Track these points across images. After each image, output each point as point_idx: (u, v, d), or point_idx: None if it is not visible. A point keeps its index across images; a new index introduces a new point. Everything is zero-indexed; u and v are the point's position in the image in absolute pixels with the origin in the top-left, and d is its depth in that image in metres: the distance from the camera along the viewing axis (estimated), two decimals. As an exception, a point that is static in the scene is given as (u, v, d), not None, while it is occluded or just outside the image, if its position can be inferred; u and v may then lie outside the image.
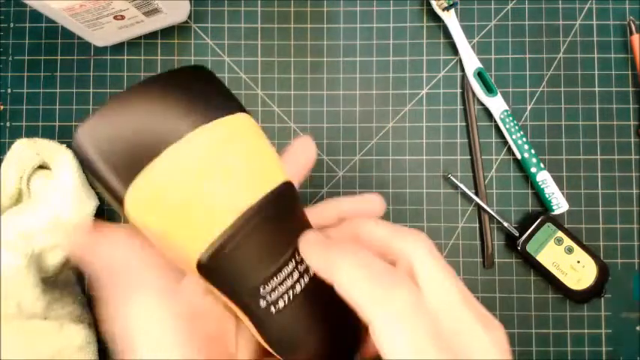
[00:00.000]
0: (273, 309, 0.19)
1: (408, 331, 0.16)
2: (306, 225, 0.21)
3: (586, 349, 0.40)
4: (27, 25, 0.42)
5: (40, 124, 0.42)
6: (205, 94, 0.18)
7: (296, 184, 0.21)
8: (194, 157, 0.17)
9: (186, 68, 0.19)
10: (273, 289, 0.19)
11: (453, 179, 0.40)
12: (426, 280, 0.18)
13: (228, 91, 0.20)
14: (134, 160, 0.17)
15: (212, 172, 0.17)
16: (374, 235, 0.20)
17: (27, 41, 0.42)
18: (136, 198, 0.17)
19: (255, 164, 0.19)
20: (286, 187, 0.19)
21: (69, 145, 0.38)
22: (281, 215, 0.19)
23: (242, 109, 0.20)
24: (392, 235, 0.20)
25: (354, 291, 0.17)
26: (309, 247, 0.19)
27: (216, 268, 0.18)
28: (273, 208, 0.19)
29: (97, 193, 0.39)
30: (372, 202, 0.23)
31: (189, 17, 0.42)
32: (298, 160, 0.23)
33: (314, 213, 0.23)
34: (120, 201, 0.17)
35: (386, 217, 0.40)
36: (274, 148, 0.20)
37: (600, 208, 0.41)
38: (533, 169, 0.40)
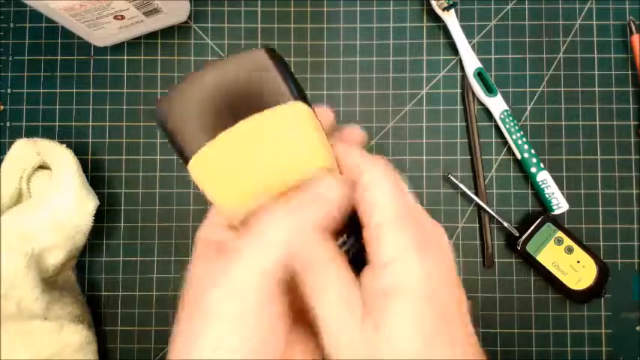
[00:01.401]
0: None
1: (387, 182, 0.20)
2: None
3: (586, 349, 0.40)
4: (27, 25, 0.42)
5: (40, 124, 0.42)
6: (275, 78, 0.20)
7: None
8: (250, 138, 0.19)
9: (260, 50, 0.20)
10: None
11: (453, 179, 0.40)
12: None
13: (293, 75, 0.21)
14: (205, 129, 0.19)
15: (256, 156, 0.19)
16: (346, 158, 0.22)
17: (27, 41, 0.42)
18: (198, 162, 0.20)
19: (300, 152, 0.20)
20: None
21: (69, 145, 0.38)
22: None
23: (304, 97, 0.21)
24: (358, 159, 0.22)
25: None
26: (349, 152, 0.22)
27: None
28: None
29: (97, 193, 0.39)
30: (354, 133, 0.25)
31: (189, 17, 0.42)
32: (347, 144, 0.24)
33: None
34: (186, 161, 0.20)
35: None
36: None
37: (600, 208, 0.41)
38: (533, 169, 0.40)
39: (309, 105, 0.21)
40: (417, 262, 0.18)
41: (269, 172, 0.20)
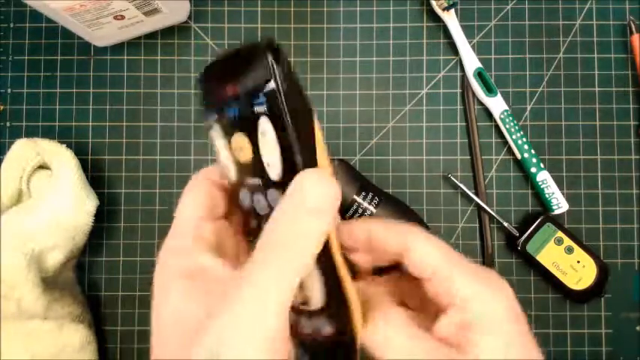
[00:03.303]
0: None
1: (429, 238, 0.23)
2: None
3: (586, 349, 0.40)
4: (27, 25, 0.42)
5: (40, 124, 0.42)
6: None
7: None
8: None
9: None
10: None
11: (453, 179, 0.40)
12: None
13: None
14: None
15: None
16: (384, 240, 0.24)
17: (27, 41, 0.42)
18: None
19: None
20: None
21: (69, 145, 0.38)
22: None
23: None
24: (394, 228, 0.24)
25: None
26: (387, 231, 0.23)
27: None
28: None
29: (97, 193, 0.39)
30: (404, 234, 0.24)
31: (189, 17, 0.42)
32: None
33: (345, 230, 0.24)
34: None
35: (386, 217, 0.40)
36: None
37: (600, 208, 0.41)
38: (533, 169, 0.40)
39: (312, 114, 0.21)
40: (491, 296, 0.21)
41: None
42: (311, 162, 0.20)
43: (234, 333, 0.17)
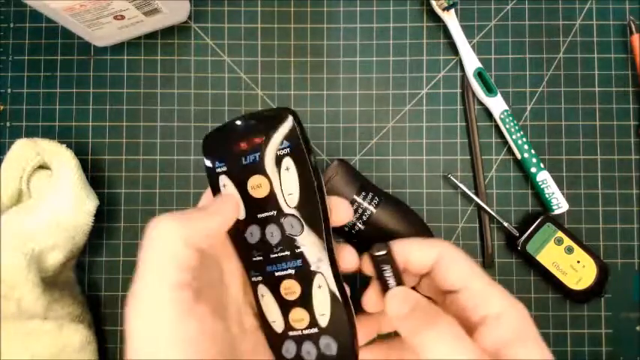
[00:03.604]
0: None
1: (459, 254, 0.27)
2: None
3: (586, 349, 0.40)
4: (27, 25, 0.42)
5: (40, 124, 0.42)
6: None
7: None
8: None
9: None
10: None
11: (453, 179, 0.40)
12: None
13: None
14: None
15: None
16: (418, 257, 0.27)
17: (27, 41, 0.42)
18: None
19: None
20: None
21: (69, 145, 0.38)
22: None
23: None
24: (426, 243, 0.27)
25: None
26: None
27: None
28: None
29: (97, 193, 0.39)
30: (435, 249, 0.27)
31: (189, 17, 0.42)
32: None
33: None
34: None
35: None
36: None
37: (600, 208, 0.41)
38: (533, 169, 0.40)
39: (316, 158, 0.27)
40: (519, 310, 0.25)
41: None
42: (319, 187, 0.26)
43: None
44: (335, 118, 0.42)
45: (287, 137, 0.26)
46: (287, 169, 0.26)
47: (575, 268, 0.39)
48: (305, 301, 0.26)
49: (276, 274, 0.27)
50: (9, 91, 0.42)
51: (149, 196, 0.41)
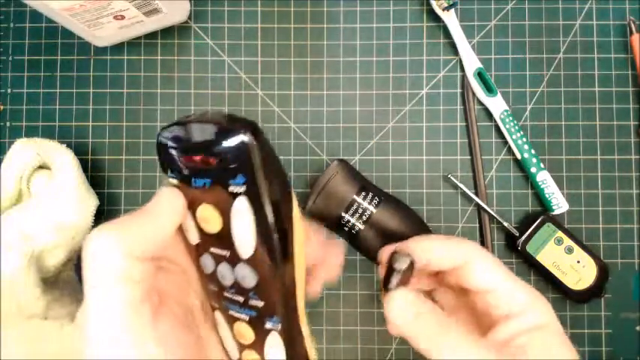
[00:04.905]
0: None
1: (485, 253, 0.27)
2: None
3: (586, 349, 0.40)
4: (27, 25, 0.42)
5: (40, 124, 0.42)
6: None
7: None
8: None
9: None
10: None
11: (453, 179, 0.40)
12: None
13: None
14: None
15: None
16: (441, 257, 0.27)
17: (27, 41, 0.42)
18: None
19: None
20: None
21: (69, 145, 0.38)
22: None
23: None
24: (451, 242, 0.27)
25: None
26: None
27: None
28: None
29: (97, 193, 0.39)
30: (462, 249, 0.27)
31: (189, 17, 0.42)
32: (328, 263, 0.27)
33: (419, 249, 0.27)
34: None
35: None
36: None
37: (600, 208, 0.41)
38: (533, 169, 0.40)
39: (291, 199, 0.21)
40: (543, 305, 0.26)
41: None
42: (284, 248, 0.20)
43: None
44: (335, 118, 0.42)
45: (242, 168, 0.19)
46: (240, 211, 0.19)
47: (575, 268, 0.39)
48: (258, 347, 0.23)
49: (230, 312, 0.23)
50: (9, 91, 0.42)
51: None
